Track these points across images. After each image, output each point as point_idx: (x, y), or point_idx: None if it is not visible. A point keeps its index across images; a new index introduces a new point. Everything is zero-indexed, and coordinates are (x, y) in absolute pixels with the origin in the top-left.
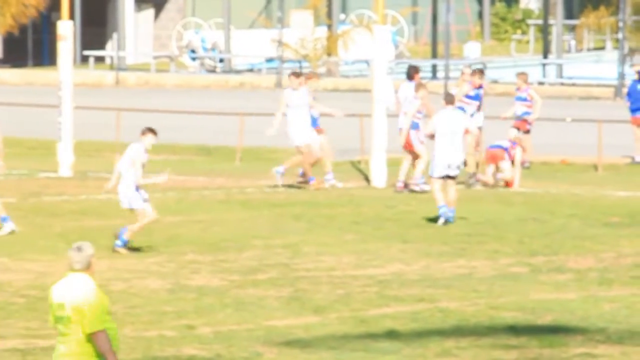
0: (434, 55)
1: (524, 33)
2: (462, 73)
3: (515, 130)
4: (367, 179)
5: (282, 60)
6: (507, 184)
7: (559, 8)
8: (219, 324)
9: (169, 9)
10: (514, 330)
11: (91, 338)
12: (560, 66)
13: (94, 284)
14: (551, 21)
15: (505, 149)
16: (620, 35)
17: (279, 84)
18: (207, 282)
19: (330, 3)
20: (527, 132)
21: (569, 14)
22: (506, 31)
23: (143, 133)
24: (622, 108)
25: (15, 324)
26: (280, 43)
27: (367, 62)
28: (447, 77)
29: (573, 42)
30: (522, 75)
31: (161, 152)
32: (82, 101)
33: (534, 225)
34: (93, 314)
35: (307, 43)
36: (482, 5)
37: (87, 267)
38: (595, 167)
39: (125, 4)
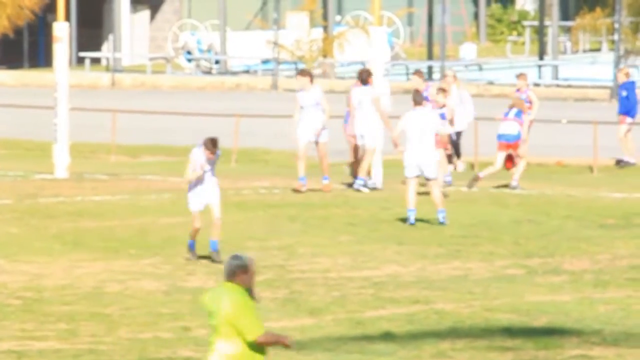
0: (430, 56)
1: (519, 34)
2: (445, 76)
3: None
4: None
5: (277, 61)
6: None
7: (554, 9)
8: None
9: (164, 11)
10: (510, 332)
11: (255, 343)
12: (555, 67)
13: (238, 294)
14: (547, 23)
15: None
16: (616, 37)
17: (274, 86)
18: (202, 284)
19: (326, 4)
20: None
21: (565, 15)
22: (502, 32)
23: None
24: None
25: (11, 326)
26: (276, 44)
27: (363, 63)
28: (442, 79)
29: (569, 44)
30: (523, 76)
31: (157, 154)
32: (78, 103)
33: (529, 226)
34: (247, 321)
35: (303, 44)
36: (477, 6)
37: (233, 277)
38: (591, 169)
39: (121, 6)
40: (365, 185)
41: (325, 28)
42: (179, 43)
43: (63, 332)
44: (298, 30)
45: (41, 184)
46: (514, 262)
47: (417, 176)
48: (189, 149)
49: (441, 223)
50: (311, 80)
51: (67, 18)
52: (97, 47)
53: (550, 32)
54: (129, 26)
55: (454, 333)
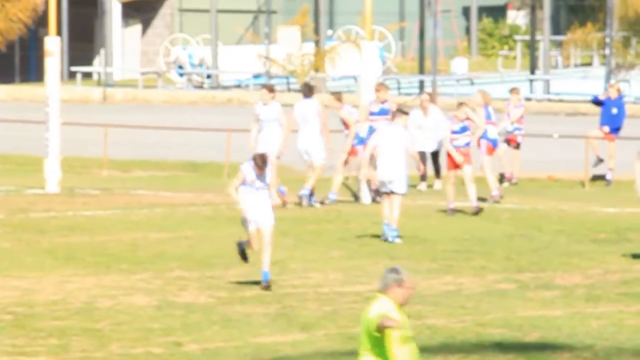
0: (421, 70)
1: (511, 49)
2: (421, 100)
3: (505, 145)
4: (354, 195)
5: (269, 76)
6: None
7: (546, 24)
8: (207, 341)
9: (156, 25)
10: (501, 347)
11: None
12: (547, 82)
13: (384, 307)
14: (538, 37)
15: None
16: (607, 51)
17: None
18: (194, 299)
19: (318, 19)
20: (517, 146)
21: (556, 30)
22: (493, 47)
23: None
24: None
25: (2, 342)
26: (267, 59)
27: (354, 78)
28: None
29: (560, 58)
30: (516, 90)
31: (148, 169)
32: (70, 117)
33: (521, 241)
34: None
35: (295, 59)
36: (469, 20)
37: (386, 290)
38: (583, 184)
39: (113, 20)
40: (315, 201)
41: (317, 42)
42: (170, 57)
43: (54, 347)
44: (289, 45)
45: (32, 198)
46: (506, 277)
47: (391, 192)
48: (181, 164)
49: (390, 242)
50: (273, 97)
51: (59, 32)
52: (88, 62)
53: (542, 47)
54: (121, 40)
55: (446, 348)
